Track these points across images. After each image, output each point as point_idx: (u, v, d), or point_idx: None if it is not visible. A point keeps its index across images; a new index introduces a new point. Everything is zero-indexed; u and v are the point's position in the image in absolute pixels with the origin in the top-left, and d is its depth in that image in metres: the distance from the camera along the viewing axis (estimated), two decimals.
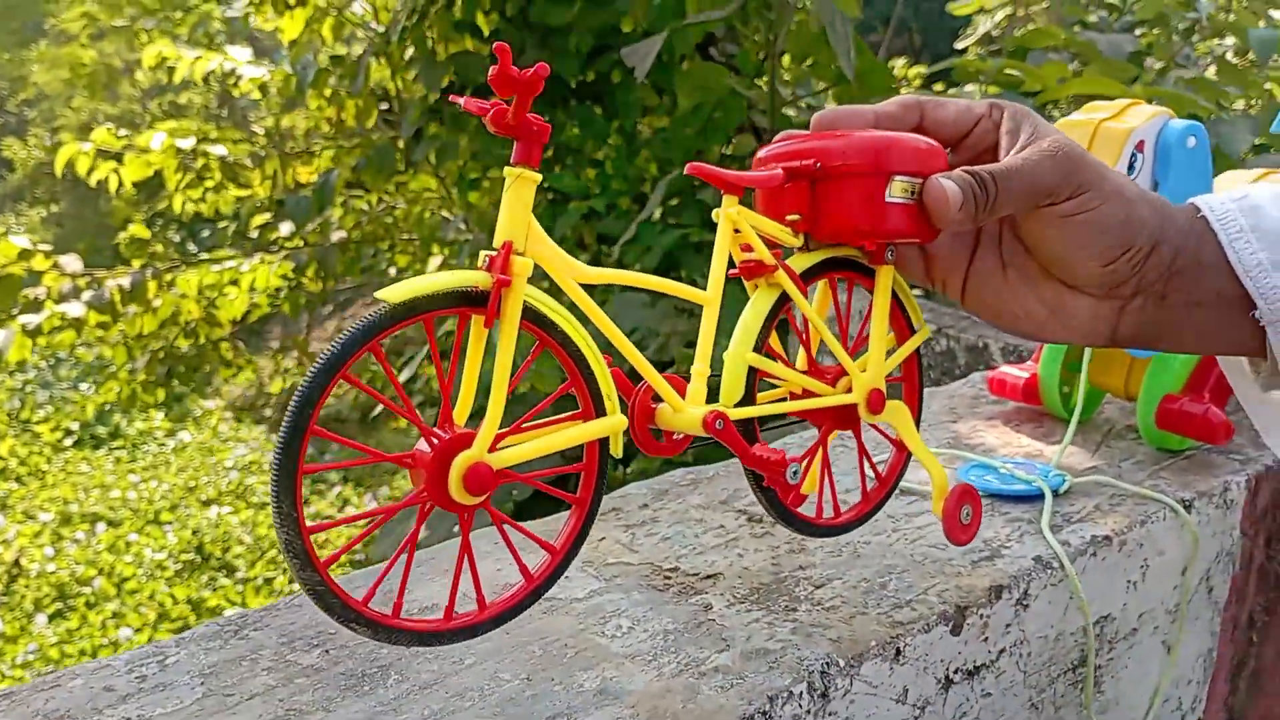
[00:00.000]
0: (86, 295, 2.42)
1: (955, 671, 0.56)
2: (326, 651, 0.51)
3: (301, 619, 0.54)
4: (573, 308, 0.45)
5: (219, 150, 2.68)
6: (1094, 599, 0.63)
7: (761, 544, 0.62)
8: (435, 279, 0.39)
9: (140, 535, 5.49)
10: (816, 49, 1.66)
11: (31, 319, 2.36)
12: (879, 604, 0.55)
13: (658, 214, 2.29)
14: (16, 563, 4.94)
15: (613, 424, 0.44)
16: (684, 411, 0.46)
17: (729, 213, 0.47)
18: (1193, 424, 0.71)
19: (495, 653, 0.51)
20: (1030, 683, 0.61)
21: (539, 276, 0.42)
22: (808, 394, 0.50)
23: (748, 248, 0.48)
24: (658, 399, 0.46)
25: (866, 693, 0.52)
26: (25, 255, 2.55)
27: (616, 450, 0.45)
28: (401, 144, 2.40)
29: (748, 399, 0.48)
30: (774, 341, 0.50)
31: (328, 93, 2.56)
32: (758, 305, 0.49)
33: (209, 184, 2.78)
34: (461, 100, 0.42)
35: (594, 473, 0.45)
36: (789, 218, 0.49)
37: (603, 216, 2.21)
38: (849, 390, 0.51)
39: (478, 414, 0.42)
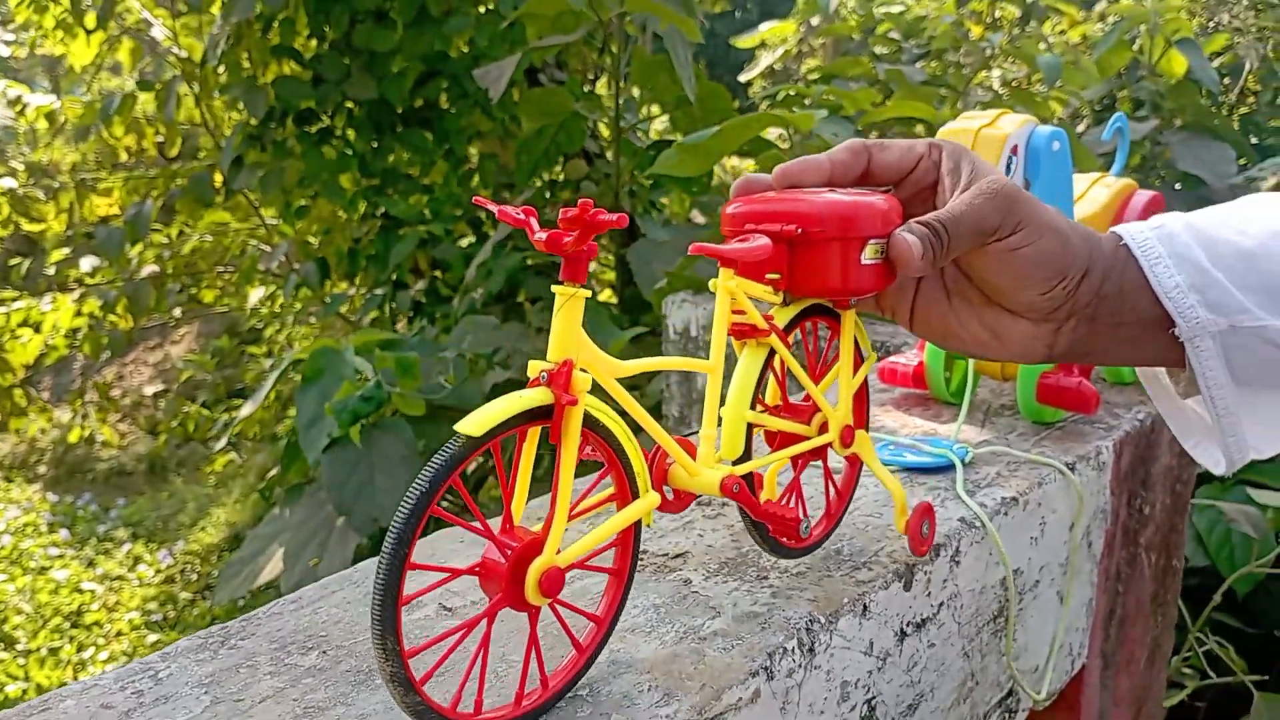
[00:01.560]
0: None
1: (907, 624, 0.61)
2: (324, 652, 0.51)
3: (289, 625, 0.53)
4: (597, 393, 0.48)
5: (8, 183, 2.49)
6: (1007, 554, 0.69)
7: (716, 524, 0.65)
8: (504, 406, 0.41)
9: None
10: (654, 74, 1.72)
11: None
12: (839, 567, 0.59)
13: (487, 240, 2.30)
14: None
15: (648, 503, 0.48)
16: (699, 475, 0.50)
17: (728, 285, 0.51)
18: (1068, 396, 0.79)
19: (499, 638, 0.51)
20: (963, 633, 0.67)
21: None
22: (785, 435, 0.56)
23: (740, 310, 0.52)
24: (669, 460, 0.50)
25: (842, 646, 0.56)
26: None
27: (649, 522, 0.48)
28: (221, 172, 2.30)
29: (746, 454, 0.52)
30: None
31: (125, 122, 2.43)
32: (749, 364, 0.52)
33: None
34: (495, 208, 0.44)
35: (629, 545, 0.49)
36: (769, 276, 0.53)
37: (439, 242, 2.20)
38: (823, 427, 0.56)
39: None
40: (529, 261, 2.11)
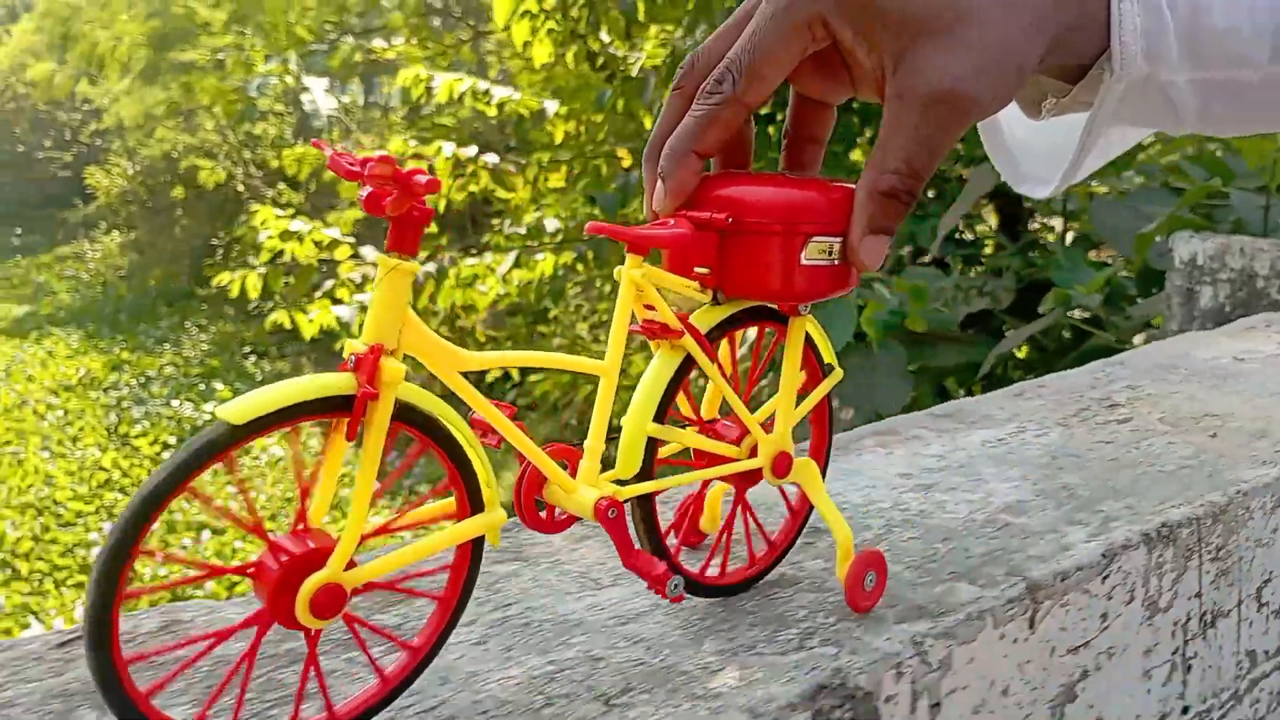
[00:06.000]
0: None
1: None
2: None
3: None
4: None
5: (492, 159, 3.10)
6: None
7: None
8: (281, 393, 0.35)
9: (244, 542, 5.70)
10: None
11: (364, 298, 2.77)
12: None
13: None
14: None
15: (489, 521, 0.41)
16: (575, 493, 0.43)
17: (631, 274, 0.44)
18: None
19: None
20: None
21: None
22: (711, 456, 0.49)
23: (652, 306, 0.45)
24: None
25: None
26: (333, 245, 2.98)
27: (495, 542, 0.42)
28: None
29: (645, 473, 0.46)
30: (680, 399, 0.48)
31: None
32: (660, 369, 0.46)
33: (473, 188, 3.21)
34: (329, 150, 0.37)
35: (463, 570, 0.42)
36: (697, 270, 0.46)
37: None
38: (754, 451, 0.49)
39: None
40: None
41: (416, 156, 3.09)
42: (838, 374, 0.52)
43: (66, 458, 6.55)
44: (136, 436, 6.99)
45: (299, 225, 2.89)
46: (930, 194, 2.71)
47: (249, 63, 6.30)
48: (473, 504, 0.41)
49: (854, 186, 0.45)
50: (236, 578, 0.38)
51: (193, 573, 0.36)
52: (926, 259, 2.49)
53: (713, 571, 0.51)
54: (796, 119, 0.50)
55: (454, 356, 0.39)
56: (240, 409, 0.34)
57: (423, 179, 0.35)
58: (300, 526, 0.37)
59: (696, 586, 0.50)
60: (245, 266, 3.32)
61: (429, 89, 3.33)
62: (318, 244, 2.97)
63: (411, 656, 0.41)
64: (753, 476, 0.50)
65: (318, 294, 3.01)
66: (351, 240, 3.01)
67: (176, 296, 10.39)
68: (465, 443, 0.40)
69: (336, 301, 2.99)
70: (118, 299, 10.61)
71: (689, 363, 0.46)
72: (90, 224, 12.44)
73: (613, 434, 0.45)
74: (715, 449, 0.48)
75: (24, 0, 14.60)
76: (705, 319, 0.47)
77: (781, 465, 0.49)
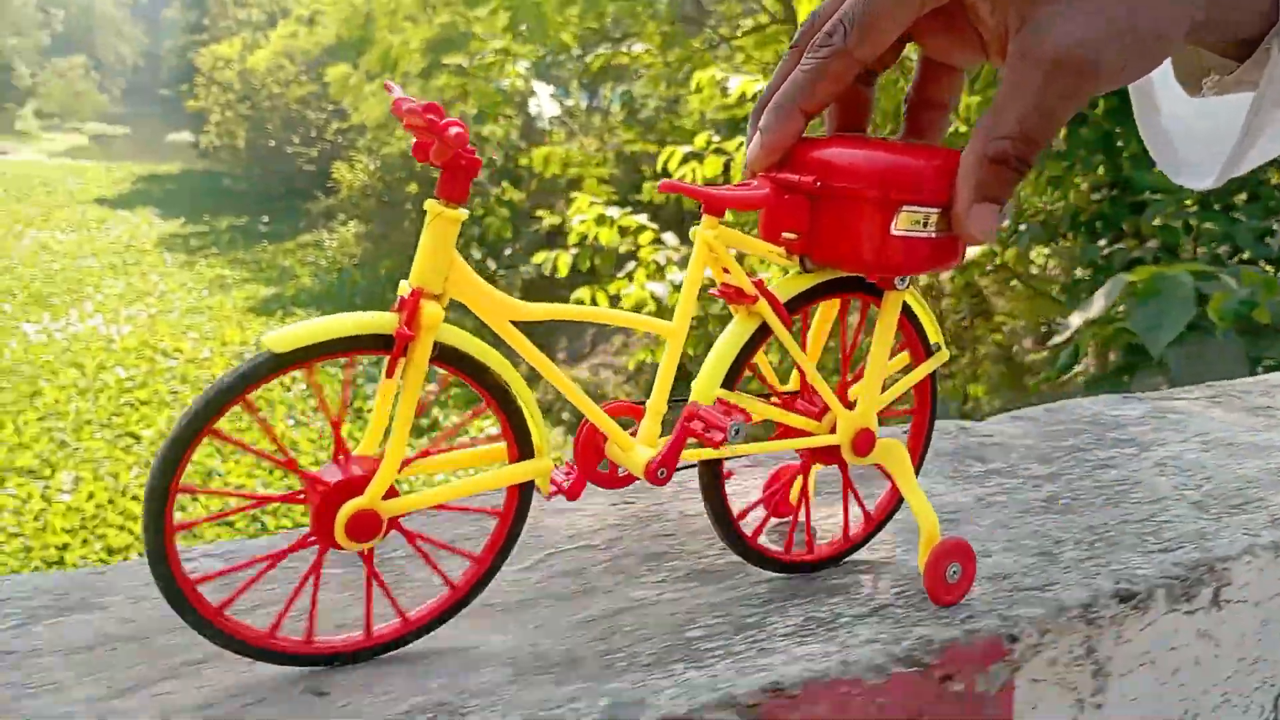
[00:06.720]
0: None
1: None
2: None
3: None
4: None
5: None
6: None
7: None
8: (325, 326, 0.37)
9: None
10: None
11: (676, 277, 3.00)
12: None
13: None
14: None
15: (537, 468, 0.42)
16: (631, 452, 0.43)
17: (705, 235, 0.43)
18: None
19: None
20: None
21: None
22: (789, 429, 0.47)
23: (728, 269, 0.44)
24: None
25: None
26: (639, 230, 3.23)
27: (545, 488, 0.42)
28: None
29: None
30: (762, 361, 0.47)
31: None
32: (734, 334, 0.44)
33: None
34: (395, 92, 0.38)
35: (509, 517, 0.43)
36: (785, 235, 0.44)
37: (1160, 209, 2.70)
38: (834, 428, 0.47)
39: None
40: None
41: (718, 151, 3.30)
42: (942, 355, 0.49)
43: (308, 426, 7.12)
44: (367, 411, 7.45)
45: (613, 211, 3.15)
46: (1243, 198, 2.73)
47: (500, 65, 6.73)
48: (522, 450, 0.41)
49: (958, 152, 0.42)
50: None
51: (242, 503, 0.38)
52: (1239, 258, 2.53)
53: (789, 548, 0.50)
54: (921, 81, 0.47)
55: (504, 305, 0.40)
56: (284, 338, 0.36)
57: (454, 131, 0.35)
58: (340, 457, 0.40)
59: (774, 562, 0.48)
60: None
61: (724, 89, 3.55)
62: (622, 230, 3.22)
63: (478, 566, 0.43)
64: (830, 453, 0.47)
65: (619, 274, 3.27)
66: (655, 226, 3.25)
67: None
68: (515, 390, 0.41)
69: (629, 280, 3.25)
70: (352, 285, 11.33)
71: (766, 329, 0.44)
72: (330, 215, 13.35)
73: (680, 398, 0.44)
74: (789, 421, 0.47)
75: (281, 7, 15.86)
76: (788, 287, 0.45)
77: (863, 444, 0.47)
